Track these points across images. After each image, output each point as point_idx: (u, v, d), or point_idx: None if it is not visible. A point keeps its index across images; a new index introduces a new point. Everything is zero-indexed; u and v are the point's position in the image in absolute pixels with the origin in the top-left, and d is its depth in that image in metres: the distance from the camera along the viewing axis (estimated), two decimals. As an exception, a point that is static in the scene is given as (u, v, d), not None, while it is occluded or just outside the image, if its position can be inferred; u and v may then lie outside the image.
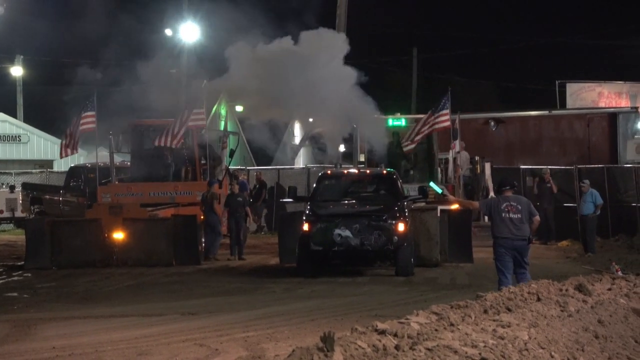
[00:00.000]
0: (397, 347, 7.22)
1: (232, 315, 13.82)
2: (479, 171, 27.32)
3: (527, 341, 7.72)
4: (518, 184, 20.02)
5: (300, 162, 43.31)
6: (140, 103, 22.90)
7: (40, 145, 45.85)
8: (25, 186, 34.55)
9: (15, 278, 20.19)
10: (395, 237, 18.67)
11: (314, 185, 21.38)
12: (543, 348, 7.73)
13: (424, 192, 20.33)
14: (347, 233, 18.61)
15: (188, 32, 40.20)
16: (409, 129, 25.23)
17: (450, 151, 26.17)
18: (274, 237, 24.63)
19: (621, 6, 72.32)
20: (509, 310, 9.35)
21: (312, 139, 33.07)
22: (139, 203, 23.27)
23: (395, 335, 7.53)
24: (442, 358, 6.94)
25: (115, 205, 23.01)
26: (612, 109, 35.69)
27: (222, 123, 29.88)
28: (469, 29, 70.47)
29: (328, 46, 23.24)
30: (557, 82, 43.06)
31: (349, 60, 23.63)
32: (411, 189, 22.58)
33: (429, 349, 7.07)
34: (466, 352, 7.09)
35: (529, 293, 10.48)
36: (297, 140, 45.87)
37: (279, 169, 33.68)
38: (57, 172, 38.18)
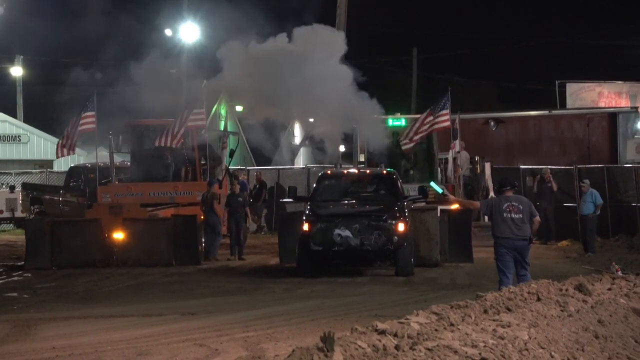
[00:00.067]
0: (397, 347, 7.21)
1: (232, 315, 13.82)
2: (479, 171, 27.32)
3: (527, 341, 7.72)
4: (518, 184, 20.02)
5: (300, 162, 43.30)
6: (138, 103, 22.87)
7: (40, 145, 45.85)
8: (25, 186, 34.55)
9: (15, 278, 20.19)
10: (395, 237, 18.66)
11: (314, 185, 21.38)
12: (543, 348, 7.73)
13: (424, 192, 20.33)
14: (347, 233, 18.61)
15: (188, 32, 40.22)
16: (407, 128, 25.22)
17: (450, 151, 26.17)
18: (274, 237, 24.63)
19: (621, 6, 72.39)
20: (509, 310, 9.35)
21: (311, 140, 33.04)
22: (139, 203, 23.27)
23: (395, 335, 7.53)
24: (442, 358, 6.94)
25: (115, 205, 23.01)
26: (612, 109, 35.69)
27: (222, 123, 29.87)
28: (469, 29, 70.51)
29: (323, 42, 23.18)
30: (557, 82, 43.07)
31: (349, 60, 23.63)
32: (411, 189, 22.57)
33: (429, 349, 7.07)
34: (466, 352, 7.09)
35: (528, 293, 10.48)
36: (297, 140, 45.87)
37: (278, 169, 33.67)
38: (57, 172, 38.17)
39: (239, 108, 36.84)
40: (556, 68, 57.63)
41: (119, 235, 21.81)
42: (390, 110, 28.62)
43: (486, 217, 23.28)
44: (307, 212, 19.39)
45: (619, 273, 16.01)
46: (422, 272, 19.43)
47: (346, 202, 20.01)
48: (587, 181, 24.21)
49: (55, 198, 32.08)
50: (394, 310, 13.29)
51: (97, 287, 18.24)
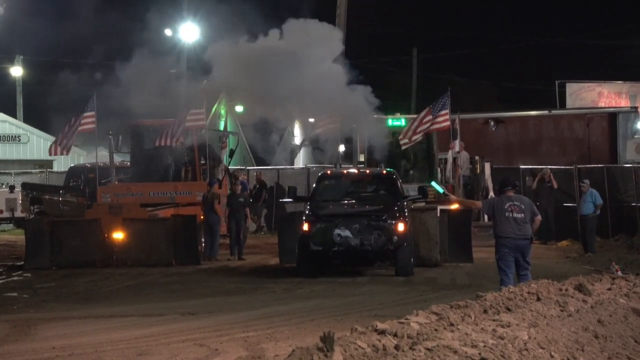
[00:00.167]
0: (397, 347, 7.22)
1: (232, 315, 13.82)
2: (478, 171, 27.32)
3: (526, 341, 7.72)
4: (519, 184, 20.03)
5: (300, 162, 43.29)
6: (136, 103, 22.82)
7: (40, 145, 45.84)
8: (25, 186, 34.55)
9: (15, 278, 20.19)
10: (395, 237, 18.66)
11: (314, 185, 21.37)
12: (543, 348, 7.73)
13: (423, 192, 20.32)
14: (347, 233, 18.60)
15: (188, 32, 40.24)
16: (407, 126, 25.21)
17: (450, 151, 26.18)
18: (274, 237, 24.62)
19: (621, 6, 72.40)
20: (509, 310, 9.35)
21: (312, 140, 33.04)
22: (139, 203, 23.26)
23: (395, 335, 7.53)
24: (441, 358, 6.94)
25: (115, 205, 23.01)
26: (611, 109, 35.71)
27: (222, 123, 29.85)
28: (469, 29, 70.52)
29: (316, 37, 23.11)
30: (556, 82, 43.09)
31: (349, 60, 23.62)
32: (411, 189, 22.57)
33: (428, 349, 7.07)
34: (466, 352, 7.09)
35: (528, 293, 10.48)
36: (297, 140, 45.85)
37: (278, 169, 33.67)
38: (57, 172, 38.20)
39: (239, 108, 36.84)
40: (556, 68, 57.67)
41: (118, 235, 21.81)
42: (390, 110, 28.62)
43: (486, 217, 23.32)
44: (306, 212, 19.39)
45: (619, 273, 16.01)
46: (422, 272, 19.43)
47: (346, 202, 20.00)
48: (587, 181, 24.21)
49: (55, 198, 32.08)
50: (393, 310, 13.29)
51: (97, 287, 18.24)
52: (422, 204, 21.54)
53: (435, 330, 7.89)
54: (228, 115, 34.63)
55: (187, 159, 25.10)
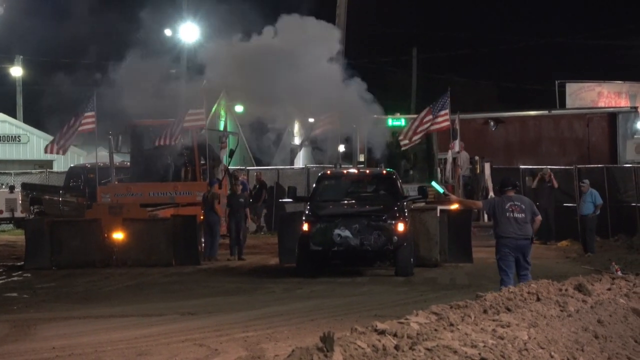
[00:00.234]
0: (396, 347, 7.21)
1: (231, 315, 13.82)
2: (478, 171, 27.31)
3: (526, 341, 7.72)
4: (519, 184, 20.03)
5: (299, 162, 43.28)
6: (135, 104, 22.80)
7: (39, 145, 45.76)
8: (25, 186, 34.56)
9: (15, 278, 20.19)
10: (395, 237, 18.66)
11: (314, 185, 21.37)
12: (543, 348, 7.73)
13: (423, 192, 20.32)
14: (347, 233, 18.60)
15: (188, 32, 40.23)
16: (407, 126, 25.22)
17: (449, 151, 26.19)
18: (274, 237, 24.62)
19: (621, 6, 72.40)
20: (509, 310, 9.35)
21: (312, 141, 33.04)
22: (139, 203, 23.26)
23: (395, 335, 7.53)
24: (441, 358, 6.94)
25: (115, 205, 23.01)
26: (611, 109, 35.70)
27: (222, 123, 29.85)
28: (469, 29, 70.53)
29: (312, 35, 23.07)
30: (556, 82, 43.09)
31: (349, 60, 23.62)
32: (411, 189, 22.57)
33: (428, 349, 7.07)
34: (466, 352, 7.09)
35: (528, 293, 10.48)
36: (297, 140, 45.85)
37: (278, 169, 33.68)
38: (57, 173, 38.21)
39: (239, 108, 36.84)
40: (556, 68, 57.69)
41: (118, 236, 21.82)
42: (390, 110, 28.63)
43: (486, 217, 23.32)
44: (306, 212, 19.39)
45: (619, 273, 16.01)
46: (421, 272, 19.43)
47: (346, 202, 20.00)
48: (586, 181, 24.22)
49: (55, 198, 32.07)
50: (393, 311, 13.29)
51: (97, 287, 18.24)
52: (422, 204, 21.53)
53: (435, 330, 7.89)
54: (228, 115, 34.63)
55: (186, 159, 25.09)
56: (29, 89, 49.37)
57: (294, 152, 43.38)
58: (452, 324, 8.23)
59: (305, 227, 18.92)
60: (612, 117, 32.80)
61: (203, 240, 22.86)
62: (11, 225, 35.30)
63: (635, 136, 32.75)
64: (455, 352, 7.05)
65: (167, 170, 24.88)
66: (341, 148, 31.43)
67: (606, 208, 25.64)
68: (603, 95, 41.58)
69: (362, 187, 21.15)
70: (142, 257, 21.54)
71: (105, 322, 13.34)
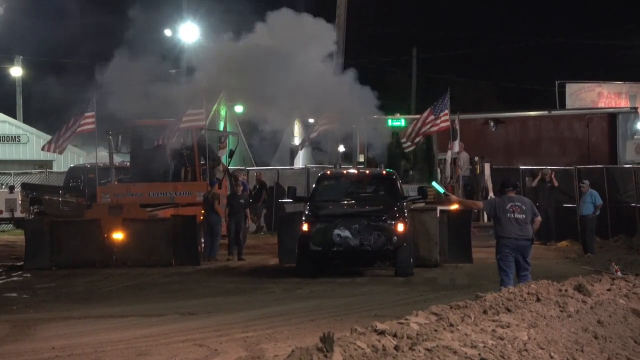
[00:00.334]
0: (396, 348, 7.22)
1: (231, 316, 13.82)
2: (478, 171, 27.32)
3: (526, 342, 7.72)
4: (519, 184, 20.04)
5: (299, 162, 43.29)
6: (134, 104, 22.79)
7: (39, 145, 45.62)
8: (25, 186, 34.53)
9: (15, 278, 20.18)
10: (395, 238, 18.65)
11: (314, 185, 21.37)
12: (542, 348, 7.74)
13: (423, 192, 20.32)
14: (347, 233, 18.59)
15: (188, 32, 40.24)
16: (408, 128, 25.22)
17: (449, 151, 26.19)
18: (274, 238, 24.61)
19: (621, 6, 72.41)
20: (509, 310, 9.35)
21: (312, 141, 33.07)
22: (139, 203, 23.25)
23: (395, 335, 7.53)
24: (441, 358, 6.94)
25: (114, 205, 23.00)
26: (611, 109, 35.71)
27: (222, 123, 29.83)
28: (469, 29, 70.54)
29: (306, 33, 23.04)
30: (556, 82, 43.09)
31: (349, 60, 23.62)
32: (411, 189, 22.58)
33: (428, 350, 7.08)
34: (465, 353, 7.09)
35: (528, 293, 10.48)
36: (296, 141, 45.85)
37: (278, 170, 33.69)
38: (57, 173, 38.19)
39: (238, 108, 36.84)
40: (556, 68, 57.75)
41: (118, 236, 21.81)
42: (389, 110, 28.64)
43: (486, 218, 23.33)
44: (306, 212, 19.38)
45: (619, 274, 16.01)
46: (421, 273, 19.42)
47: (346, 202, 20.00)
48: (586, 182, 24.22)
49: (55, 198, 32.06)
50: (393, 311, 13.29)
51: (97, 288, 18.24)
52: (422, 204, 21.53)
53: (435, 330, 7.89)
54: (228, 115, 34.62)
55: (186, 159, 25.07)
56: (29, 89, 49.39)
57: (293, 152, 43.38)
58: (452, 325, 8.23)
59: (305, 227, 18.91)
60: (612, 118, 32.80)
61: (203, 240, 22.85)
62: (11, 226, 35.29)
63: (635, 136, 32.75)
64: (455, 352, 7.06)
65: (167, 170, 24.87)
66: (341, 148, 31.44)
67: (606, 208, 25.64)
68: (603, 96, 41.58)
69: (362, 187, 21.15)
70: (142, 257, 21.53)
71: (105, 322, 13.33)
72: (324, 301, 15.53)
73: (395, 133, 25.48)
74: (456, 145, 25.96)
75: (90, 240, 21.71)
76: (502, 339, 7.66)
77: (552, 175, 26.89)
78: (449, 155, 26.32)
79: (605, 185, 27.01)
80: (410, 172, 25.69)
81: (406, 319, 8.35)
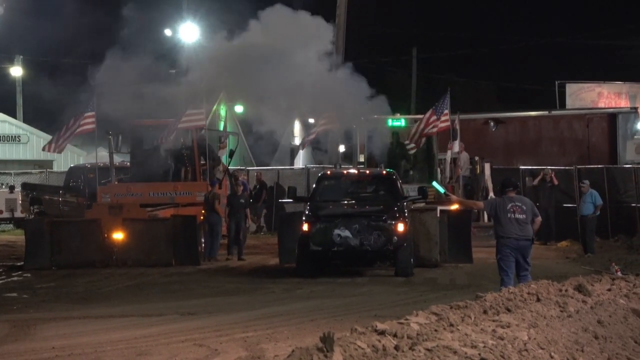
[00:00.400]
0: (396, 348, 7.21)
1: (231, 316, 13.82)
2: (478, 171, 27.32)
3: (526, 342, 7.72)
4: (519, 184, 20.03)
5: (299, 162, 43.29)
6: (134, 104, 22.77)
7: (39, 145, 45.71)
8: (25, 186, 34.54)
9: (15, 278, 20.18)
10: (395, 238, 18.65)
11: (314, 185, 21.37)
12: (542, 348, 7.73)
13: (423, 192, 20.32)
14: (347, 233, 18.60)
15: (188, 32, 40.23)
16: (409, 128, 25.23)
17: (449, 151, 26.19)
18: (274, 238, 24.61)
19: (621, 6, 72.41)
20: (509, 310, 9.35)
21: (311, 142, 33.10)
22: (139, 203, 23.24)
23: (395, 335, 7.53)
24: (441, 358, 6.94)
25: (114, 205, 22.98)
26: (611, 110, 35.70)
27: (222, 123, 29.82)
28: (469, 29, 70.53)
29: (302, 30, 23.02)
30: (556, 82, 43.07)
31: (349, 60, 23.60)
32: (411, 189, 22.58)
33: (428, 350, 7.07)
34: (466, 353, 7.09)
35: (528, 293, 10.48)
36: (297, 141, 45.85)
37: (278, 170, 33.69)
38: (57, 173, 38.19)
39: (238, 108, 36.83)
40: (556, 68, 57.74)
41: (118, 236, 21.81)
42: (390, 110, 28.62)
43: (486, 218, 23.33)
44: (306, 212, 19.38)
45: (619, 274, 16.02)
46: (421, 273, 19.42)
47: (346, 202, 20.00)
48: (586, 182, 24.22)
49: (55, 198, 32.06)
50: (393, 311, 13.29)
51: (97, 287, 18.24)
52: (422, 204, 21.53)
53: (435, 330, 7.89)
54: (228, 115, 34.62)
55: (186, 159, 25.06)
56: (29, 89, 49.39)
57: (293, 152, 43.37)
58: (452, 325, 8.23)
59: (305, 227, 18.91)
60: (612, 118, 32.79)
61: (203, 240, 22.85)
62: (11, 225, 35.29)
63: (635, 137, 32.74)
64: (455, 352, 7.05)
65: (167, 170, 24.86)
66: (341, 148, 31.45)
67: (606, 208, 25.64)
68: (603, 96, 41.57)
69: (362, 187, 21.15)
70: (142, 257, 21.53)
71: (105, 322, 13.33)
72: (324, 301, 15.53)
73: (395, 133, 25.47)
74: (456, 145, 25.96)
75: (90, 240, 21.71)
76: (502, 339, 7.66)
77: (552, 175, 26.90)
78: (449, 155, 26.32)
79: (605, 185, 27.01)
80: (411, 172, 25.69)
81: (406, 319, 8.34)
